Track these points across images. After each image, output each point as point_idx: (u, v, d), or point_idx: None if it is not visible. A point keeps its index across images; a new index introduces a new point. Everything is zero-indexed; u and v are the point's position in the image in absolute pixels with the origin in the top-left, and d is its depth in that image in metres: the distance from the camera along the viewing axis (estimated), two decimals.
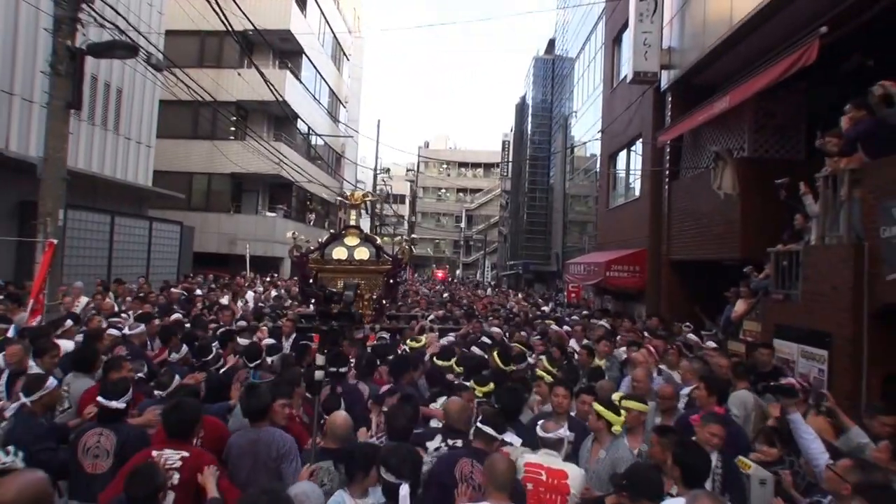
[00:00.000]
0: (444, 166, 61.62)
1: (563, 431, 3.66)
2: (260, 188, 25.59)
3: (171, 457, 3.19)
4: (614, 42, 14.99)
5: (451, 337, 8.32)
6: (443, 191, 62.15)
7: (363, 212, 36.45)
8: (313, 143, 29.00)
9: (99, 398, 3.70)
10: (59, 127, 9.32)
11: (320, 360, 3.78)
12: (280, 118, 25.38)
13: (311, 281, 9.60)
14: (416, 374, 5.69)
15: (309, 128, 27.55)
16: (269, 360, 5.89)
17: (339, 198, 10.49)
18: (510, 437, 3.81)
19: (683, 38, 10.73)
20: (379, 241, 10.11)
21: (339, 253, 9.55)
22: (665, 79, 11.43)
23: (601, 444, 4.04)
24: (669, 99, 11.51)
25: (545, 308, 15.17)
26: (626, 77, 12.80)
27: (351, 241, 9.67)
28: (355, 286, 4.17)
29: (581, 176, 23.70)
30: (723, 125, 9.65)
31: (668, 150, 11.41)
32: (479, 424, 3.52)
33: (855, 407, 5.13)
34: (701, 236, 9.83)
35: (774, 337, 6.98)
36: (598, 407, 4.08)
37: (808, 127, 7.82)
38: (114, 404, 3.65)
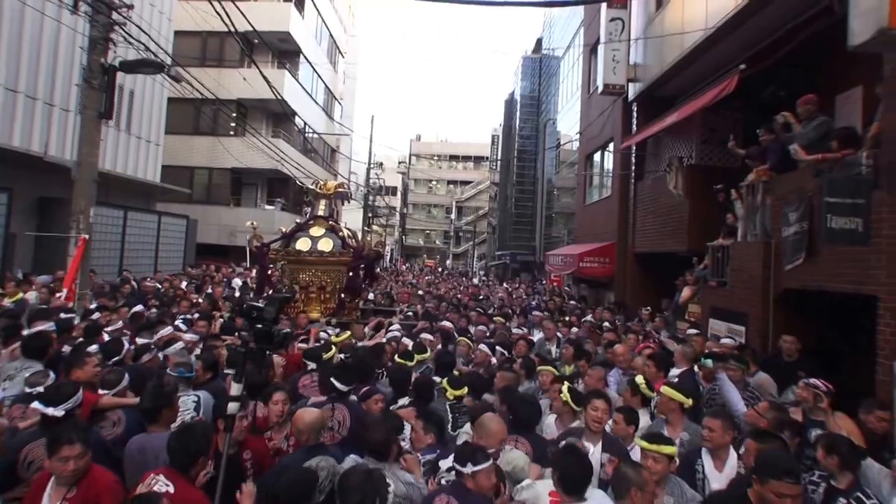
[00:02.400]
0: (435, 159, 62.84)
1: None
2: (259, 182, 26.75)
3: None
4: (591, 52, 16.32)
5: (395, 331, 7.51)
6: (434, 183, 63.46)
7: (356, 203, 37.75)
8: (310, 138, 30.16)
9: (35, 404, 3.27)
10: (92, 135, 10.56)
11: (235, 389, 3.06)
12: (278, 115, 26.52)
13: (269, 273, 9.50)
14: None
15: (305, 123, 28.69)
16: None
17: (311, 186, 10.60)
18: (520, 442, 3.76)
19: (646, 55, 12.07)
20: (344, 231, 9.68)
21: (302, 244, 9.16)
22: (632, 90, 12.78)
23: (676, 427, 4.14)
24: (635, 108, 12.89)
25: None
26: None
27: (316, 231, 9.31)
28: (278, 300, 3.38)
29: (567, 169, 25.04)
30: (677, 135, 11.07)
31: (634, 154, 12.81)
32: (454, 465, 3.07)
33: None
34: (658, 231, 11.28)
35: (710, 317, 8.44)
36: (668, 390, 4.18)
37: (745, 140, 9.20)
38: (50, 411, 3.19)
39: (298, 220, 10.40)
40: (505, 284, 23.90)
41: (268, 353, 3.62)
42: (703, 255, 9.12)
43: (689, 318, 9.14)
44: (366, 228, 13.09)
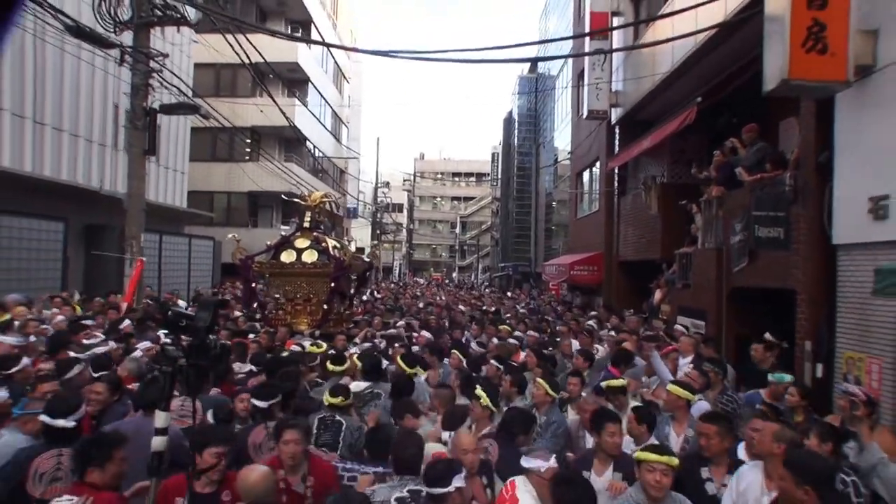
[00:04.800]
0: (439, 176, 64.59)
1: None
2: (274, 204, 28.25)
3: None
4: (579, 78, 17.76)
5: (367, 344, 7.54)
6: (438, 199, 65.29)
7: (365, 220, 39.29)
8: (319, 160, 31.78)
9: (42, 417, 3.33)
10: (138, 170, 11.98)
11: (161, 419, 2.61)
12: (290, 140, 28.12)
13: (253, 285, 9.48)
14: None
15: (314, 146, 30.28)
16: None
17: (296, 198, 10.44)
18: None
19: (626, 84, 13.49)
20: (326, 243, 9.65)
21: (287, 256, 9.18)
22: (614, 115, 14.19)
23: (681, 424, 4.22)
24: (618, 130, 14.30)
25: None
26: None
27: (301, 243, 9.35)
28: (212, 305, 2.84)
29: (565, 184, 26.37)
30: (652, 157, 12.47)
31: (617, 173, 14.21)
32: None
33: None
34: (637, 242, 12.63)
35: (678, 315, 9.75)
36: (674, 388, 4.37)
37: (709, 160, 10.54)
38: (60, 423, 3.25)
39: (283, 233, 10.59)
40: (509, 294, 25.17)
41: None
42: (673, 261, 10.44)
43: (662, 316, 10.42)
44: (346, 240, 12.21)
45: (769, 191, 7.30)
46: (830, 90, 5.68)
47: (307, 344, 7.04)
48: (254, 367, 5.77)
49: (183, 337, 2.72)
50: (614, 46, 14.13)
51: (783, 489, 2.71)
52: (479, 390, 4.30)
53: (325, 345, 6.75)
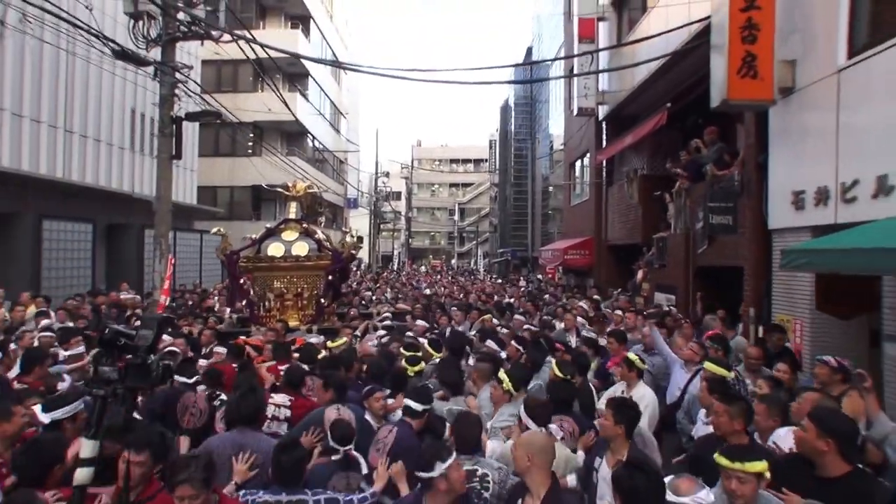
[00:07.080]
0: (437, 163, 65.52)
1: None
2: (277, 197, 29.31)
3: None
4: (569, 76, 18.93)
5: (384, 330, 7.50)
6: (436, 186, 66.28)
7: (361, 208, 40.45)
8: (321, 152, 32.89)
9: (35, 408, 3.57)
10: (166, 173, 13.13)
11: (88, 448, 2.12)
12: (292, 133, 29.13)
13: (241, 281, 8.87)
14: (351, 373, 5.13)
15: (314, 139, 31.37)
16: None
17: (279, 189, 10.09)
18: (553, 429, 3.64)
19: (611, 83, 14.69)
20: (319, 234, 9.30)
21: (275, 249, 8.75)
22: (601, 111, 15.42)
23: None
24: (605, 126, 15.56)
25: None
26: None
27: (289, 235, 8.99)
28: (157, 322, 2.45)
29: (561, 168, 27.26)
30: (634, 151, 13.76)
31: (605, 165, 15.50)
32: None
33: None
34: (622, 227, 13.96)
35: (656, 291, 11.10)
36: (710, 366, 4.39)
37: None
38: (42, 417, 3.50)
39: (268, 226, 9.99)
40: (500, 280, 26.42)
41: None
42: (652, 245, 11.77)
43: (643, 294, 11.77)
44: (345, 230, 12.28)
45: (723, 185, 8.61)
46: (761, 107, 7.03)
47: (315, 340, 6.94)
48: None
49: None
50: (600, 48, 15.29)
51: (803, 439, 2.84)
52: (501, 373, 4.36)
53: (342, 340, 6.64)
